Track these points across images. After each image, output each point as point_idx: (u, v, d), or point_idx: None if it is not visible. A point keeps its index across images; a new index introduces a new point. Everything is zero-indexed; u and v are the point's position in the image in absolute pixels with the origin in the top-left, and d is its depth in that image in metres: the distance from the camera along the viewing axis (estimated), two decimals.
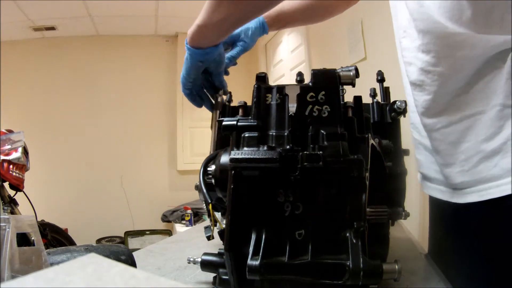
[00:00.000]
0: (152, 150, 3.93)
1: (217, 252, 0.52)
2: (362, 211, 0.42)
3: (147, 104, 3.94)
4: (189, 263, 0.55)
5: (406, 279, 0.56)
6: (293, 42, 3.14)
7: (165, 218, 3.62)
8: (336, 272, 0.40)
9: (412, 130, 0.67)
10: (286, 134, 0.44)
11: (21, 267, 0.38)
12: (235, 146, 0.46)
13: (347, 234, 0.41)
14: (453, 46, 0.49)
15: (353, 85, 0.48)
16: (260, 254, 0.40)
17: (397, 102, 0.67)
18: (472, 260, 0.55)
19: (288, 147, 0.43)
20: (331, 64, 2.54)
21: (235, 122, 0.47)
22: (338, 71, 0.48)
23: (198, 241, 0.93)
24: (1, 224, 0.39)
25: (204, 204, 0.64)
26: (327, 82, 0.46)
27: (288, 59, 3.30)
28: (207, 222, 0.63)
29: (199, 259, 0.53)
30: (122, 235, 3.68)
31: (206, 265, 0.52)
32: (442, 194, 0.59)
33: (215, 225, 0.53)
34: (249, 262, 0.40)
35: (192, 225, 3.20)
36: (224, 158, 0.49)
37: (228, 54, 0.74)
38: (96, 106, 3.81)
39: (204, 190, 0.52)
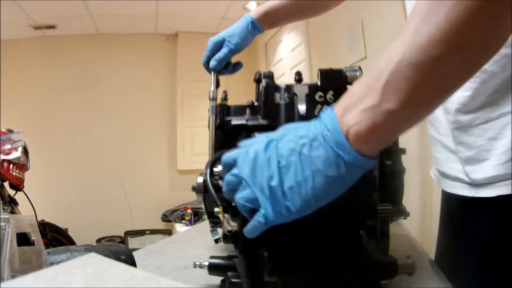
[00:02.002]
0: (152, 150, 3.93)
1: (225, 255, 0.51)
2: (374, 210, 0.42)
3: (147, 103, 3.93)
4: (195, 267, 0.53)
5: (406, 279, 0.56)
6: (293, 41, 3.14)
7: (165, 217, 3.62)
8: (353, 269, 0.40)
9: (429, 128, 0.67)
10: None
11: (21, 267, 0.38)
12: None
13: (361, 232, 0.41)
14: None
15: None
16: (278, 255, 0.40)
17: None
18: (491, 253, 0.54)
19: None
20: (331, 63, 2.54)
21: (245, 122, 0.46)
22: (344, 71, 0.48)
23: (198, 241, 0.93)
24: (1, 224, 0.39)
25: (204, 206, 0.63)
26: (335, 82, 0.47)
27: (288, 58, 3.30)
28: (206, 222, 0.63)
29: (206, 263, 0.51)
30: (122, 235, 3.68)
31: (214, 269, 0.51)
32: (468, 191, 0.58)
33: (226, 228, 0.51)
34: (268, 263, 0.39)
35: (192, 225, 3.20)
36: None
37: (216, 56, 0.74)
38: (96, 105, 3.80)
39: (213, 192, 0.50)
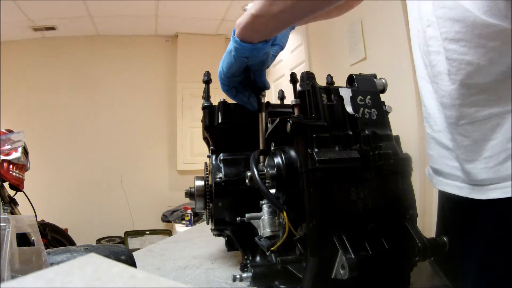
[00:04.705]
0: (152, 150, 3.93)
1: (260, 263, 0.51)
2: (414, 201, 0.48)
3: (147, 104, 3.94)
4: (234, 281, 0.51)
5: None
6: (293, 42, 3.14)
7: (165, 218, 3.62)
8: (409, 254, 0.45)
9: (425, 125, 0.67)
10: (351, 134, 0.47)
11: (21, 267, 0.38)
12: (304, 146, 0.45)
13: (405, 222, 0.46)
14: (485, 36, 0.48)
15: (383, 92, 0.53)
16: (351, 251, 0.41)
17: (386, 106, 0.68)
18: (488, 254, 0.54)
19: (356, 146, 0.46)
20: (331, 64, 2.54)
21: (304, 122, 0.46)
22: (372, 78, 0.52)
23: (198, 241, 0.93)
24: (1, 224, 0.39)
25: (200, 210, 0.62)
26: (370, 87, 0.51)
27: (288, 59, 3.30)
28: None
29: (247, 274, 0.50)
30: (122, 235, 3.68)
31: (260, 278, 0.51)
32: (459, 190, 0.57)
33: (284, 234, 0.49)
34: (346, 260, 0.40)
35: (192, 225, 3.20)
36: (288, 157, 0.48)
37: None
38: (96, 106, 3.81)
39: (266, 191, 0.48)
